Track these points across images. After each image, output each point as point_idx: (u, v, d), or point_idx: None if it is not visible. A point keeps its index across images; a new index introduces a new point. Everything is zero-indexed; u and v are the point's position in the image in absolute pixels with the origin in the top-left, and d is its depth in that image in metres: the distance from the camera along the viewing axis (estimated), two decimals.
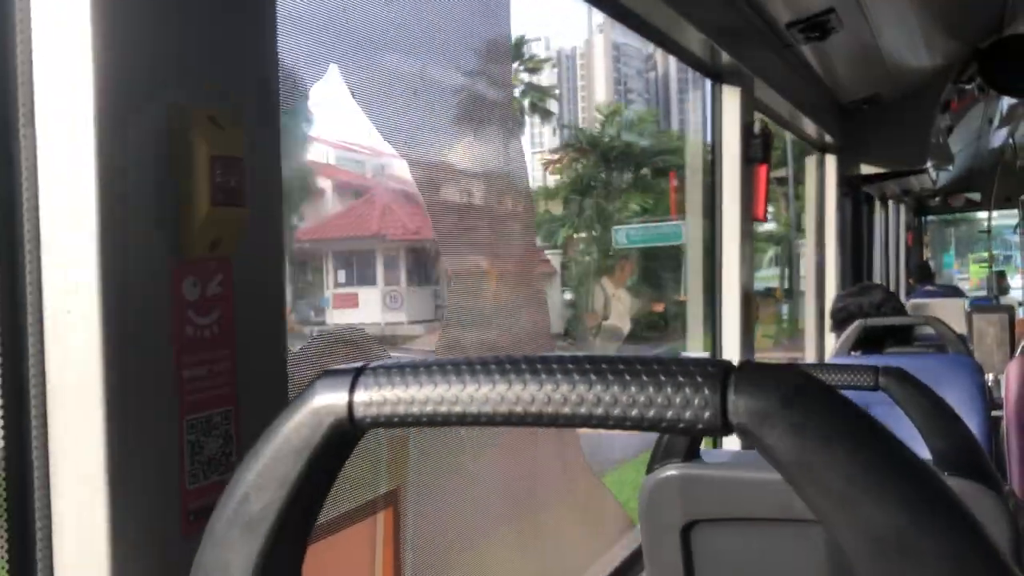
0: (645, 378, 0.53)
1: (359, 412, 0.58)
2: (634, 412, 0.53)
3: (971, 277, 12.35)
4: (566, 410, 0.55)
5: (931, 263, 12.13)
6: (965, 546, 0.47)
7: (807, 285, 5.45)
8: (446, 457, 1.54)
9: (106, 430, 0.84)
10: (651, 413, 0.52)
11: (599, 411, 0.54)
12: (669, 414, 0.52)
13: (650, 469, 1.54)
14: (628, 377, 0.53)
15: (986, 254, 13.30)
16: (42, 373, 0.87)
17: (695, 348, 3.55)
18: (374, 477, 1.31)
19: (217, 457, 0.95)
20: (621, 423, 0.54)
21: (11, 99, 0.86)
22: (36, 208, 0.87)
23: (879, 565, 0.47)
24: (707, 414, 0.51)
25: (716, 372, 0.51)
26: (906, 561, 0.47)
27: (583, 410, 0.54)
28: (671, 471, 1.51)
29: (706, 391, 0.51)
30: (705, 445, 1.62)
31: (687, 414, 0.51)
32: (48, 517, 0.88)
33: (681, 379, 0.52)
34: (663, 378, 0.52)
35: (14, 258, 0.86)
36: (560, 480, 2.01)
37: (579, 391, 0.54)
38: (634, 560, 2.21)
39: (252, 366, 0.99)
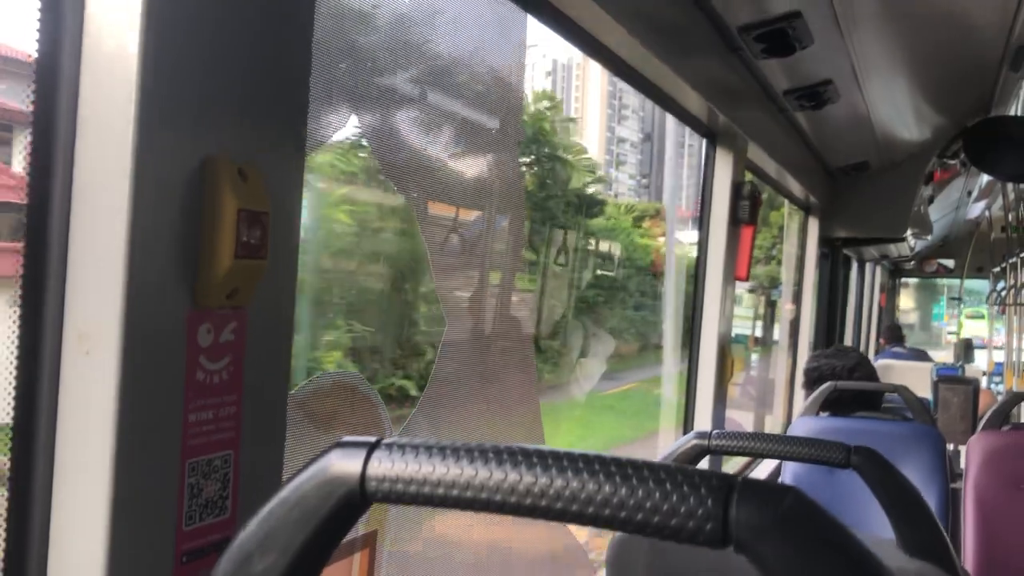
0: (652, 485, 0.56)
1: (371, 486, 0.60)
2: (639, 517, 0.56)
3: (959, 333, 11.75)
4: (574, 508, 0.58)
5: (912, 317, 12.29)
6: None
7: (781, 341, 5.51)
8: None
9: (112, 468, 0.86)
10: (655, 520, 0.55)
11: (606, 512, 0.57)
12: (673, 522, 0.55)
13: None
14: (636, 482, 0.56)
15: (983, 310, 12.94)
16: (54, 411, 0.89)
17: (668, 393, 3.59)
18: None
19: (214, 500, 0.97)
20: (625, 525, 0.57)
21: (53, 139, 0.88)
22: (65, 248, 0.89)
23: None
24: (709, 526, 0.54)
25: (720, 486, 0.54)
26: None
27: (591, 510, 0.57)
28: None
29: (709, 504, 0.54)
30: None
31: (690, 524, 0.54)
32: (45, 549, 0.89)
33: (686, 490, 0.55)
34: (669, 487, 0.55)
35: (38, 295, 0.88)
36: (534, 529, 2.03)
37: (589, 490, 0.57)
38: None
39: (255, 412, 1.02)
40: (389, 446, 0.61)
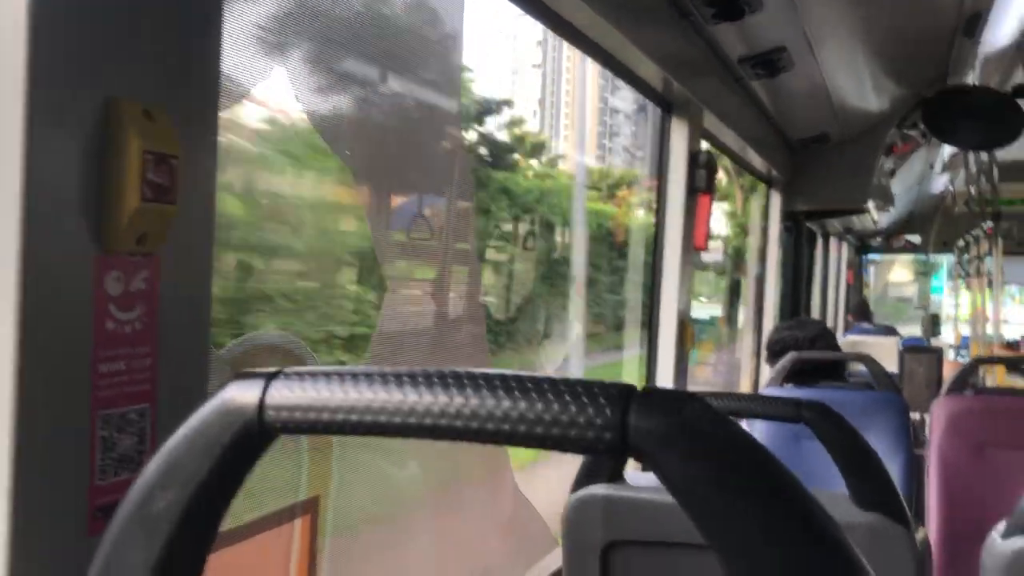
0: (551, 397, 0.54)
1: (269, 415, 0.58)
2: (538, 430, 0.54)
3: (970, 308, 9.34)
4: (473, 424, 0.56)
5: (910, 290, 12.27)
6: None
7: (745, 316, 5.54)
8: (369, 464, 1.54)
9: (13, 420, 0.83)
10: (554, 431, 0.53)
11: (505, 427, 0.55)
12: (572, 433, 0.53)
13: (574, 489, 1.56)
14: (534, 395, 0.54)
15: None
16: None
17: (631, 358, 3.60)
18: (294, 483, 1.31)
19: (129, 454, 0.94)
20: (526, 440, 0.55)
21: None
22: None
23: None
24: (608, 435, 0.52)
25: (617, 394, 0.52)
26: None
27: (490, 426, 0.55)
28: (595, 491, 1.53)
29: (607, 412, 0.52)
30: (632, 468, 1.64)
31: (589, 434, 0.52)
32: None
33: (585, 400, 0.53)
34: (568, 398, 0.54)
35: None
36: (486, 494, 2.01)
37: (487, 406, 0.55)
38: None
39: (173, 365, 0.98)
40: (288, 375, 0.59)
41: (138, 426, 0.95)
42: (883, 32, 3.46)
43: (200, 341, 1.03)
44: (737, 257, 6.73)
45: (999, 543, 1.27)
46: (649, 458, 0.52)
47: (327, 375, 0.59)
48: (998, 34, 3.54)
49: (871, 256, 12.73)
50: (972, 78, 4.28)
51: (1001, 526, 1.29)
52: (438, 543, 1.80)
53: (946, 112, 4.33)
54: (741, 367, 5.50)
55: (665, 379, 3.06)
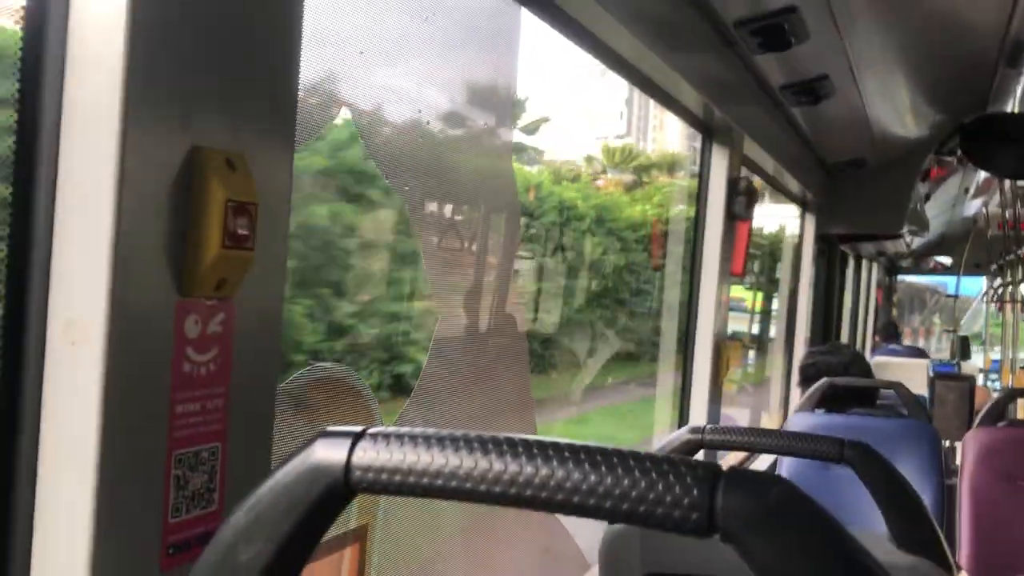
0: (638, 473, 0.55)
1: (356, 475, 0.59)
2: (626, 506, 0.55)
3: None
4: (559, 496, 0.57)
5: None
6: None
7: (776, 337, 5.51)
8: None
9: (97, 459, 0.86)
10: (642, 509, 0.55)
11: (591, 501, 0.56)
12: (659, 511, 0.54)
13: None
14: (622, 471, 0.56)
15: None
16: (38, 401, 0.88)
17: (664, 392, 3.60)
18: (345, 512, 1.33)
19: (201, 492, 0.97)
20: (612, 514, 0.56)
21: (38, 126, 0.88)
22: (50, 236, 0.88)
23: None
24: (695, 515, 0.54)
25: (706, 475, 0.54)
26: None
27: (576, 499, 0.57)
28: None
29: (695, 493, 0.54)
30: None
31: (676, 514, 0.54)
32: (29, 540, 0.89)
33: (672, 478, 0.55)
34: (655, 476, 0.55)
35: (23, 284, 0.88)
36: (524, 521, 2.03)
37: (573, 479, 0.56)
38: None
39: (242, 405, 1.01)
40: (374, 436, 0.60)
41: (209, 464, 0.97)
42: (925, 59, 3.45)
43: (268, 380, 1.06)
44: (765, 273, 6.69)
45: None
46: (735, 539, 0.53)
47: (413, 437, 0.61)
48: None
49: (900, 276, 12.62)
50: (1012, 106, 4.26)
51: None
52: (480, 568, 1.82)
53: (984, 139, 4.30)
54: (769, 389, 5.48)
55: (699, 405, 3.07)
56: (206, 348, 0.95)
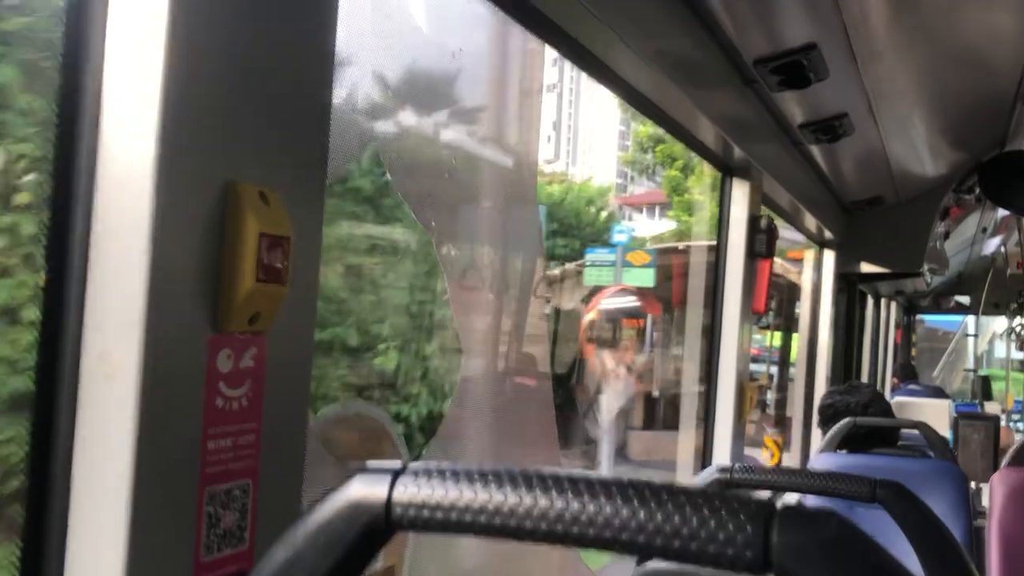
0: (689, 510, 0.54)
1: (396, 512, 0.58)
2: (676, 544, 0.54)
3: None
4: (606, 534, 0.56)
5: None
6: None
7: (797, 377, 5.47)
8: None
9: (130, 496, 0.85)
10: (693, 546, 0.53)
11: (641, 539, 0.55)
12: (711, 549, 0.53)
13: (639, 561, 1.54)
14: (672, 507, 0.54)
15: None
16: (71, 435, 0.87)
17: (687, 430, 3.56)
18: None
19: (232, 530, 0.95)
20: (663, 552, 0.55)
21: (74, 158, 0.88)
22: (85, 270, 0.88)
23: None
24: (749, 553, 0.52)
25: (760, 512, 0.52)
26: None
27: (625, 536, 0.55)
28: (659, 565, 1.51)
29: (749, 530, 0.52)
30: None
31: (729, 551, 0.52)
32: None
33: (724, 516, 0.53)
34: (707, 512, 0.54)
35: (59, 320, 0.87)
36: (550, 558, 2.00)
37: (623, 516, 0.55)
38: None
39: (274, 440, 1.00)
40: (415, 472, 0.59)
41: (241, 502, 0.96)
42: (943, 98, 3.45)
43: (300, 416, 1.04)
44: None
45: None
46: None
47: (455, 473, 0.59)
48: None
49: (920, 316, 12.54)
50: None
51: None
52: None
53: (1003, 177, 4.30)
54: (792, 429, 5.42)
55: (723, 444, 3.03)
56: (238, 383, 0.95)
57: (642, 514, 0.55)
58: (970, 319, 10.89)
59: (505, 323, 1.95)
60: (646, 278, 10.51)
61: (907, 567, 0.54)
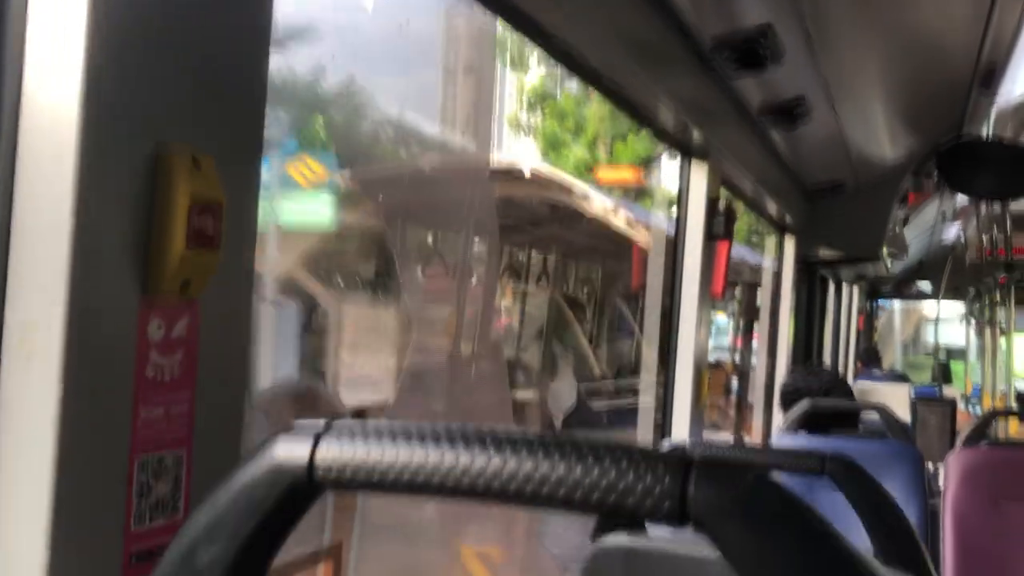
0: (608, 463, 0.54)
1: (320, 472, 0.57)
2: (595, 496, 0.54)
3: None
4: (527, 488, 0.55)
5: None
6: None
7: (758, 362, 5.52)
8: (391, 511, 1.53)
9: (54, 464, 0.83)
10: (612, 499, 0.53)
11: (561, 492, 0.55)
12: (629, 501, 0.53)
13: (594, 536, 1.54)
14: (592, 461, 0.54)
15: None
16: None
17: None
18: (319, 529, 1.30)
19: (165, 500, 0.94)
20: (581, 506, 0.55)
21: None
22: (7, 231, 0.86)
23: None
24: (666, 504, 0.52)
25: (677, 465, 0.52)
26: None
27: (546, 489, 0.55)
28: (616, 541, 1.51)
29: (667, 482, 0.52)
30: None
31: (647, 503, 0.52)
32: None
33: (643, 468, 0.53)
34: (625, 465, 0.53)
35: None
36: (506, 542, 2.00)
37: (542, 470, 0.55)
38: None
39: (209, 410, 0.98)
40: (339, 431, 0.58)
41: (174, 471, 0.95)
42: (900, 83, 3.48)
43: (238, 385, 1.03)
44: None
45: None
46: (708, 529, 0.52)
47: (378, 432, 0.59)
48: (1014, 88, 3.56)
49: (881, 302, 12.70)
50: (987, 128, 4.30)
51: None
52: None
53: (960, 163, 4.35)
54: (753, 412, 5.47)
55: (681, 427, 3.05)
56: (170, 351, 0.93)
57: (562, 468, 0.55)
58: (931, 304, 11.06)
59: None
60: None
61: (850, 538, 0.54)
